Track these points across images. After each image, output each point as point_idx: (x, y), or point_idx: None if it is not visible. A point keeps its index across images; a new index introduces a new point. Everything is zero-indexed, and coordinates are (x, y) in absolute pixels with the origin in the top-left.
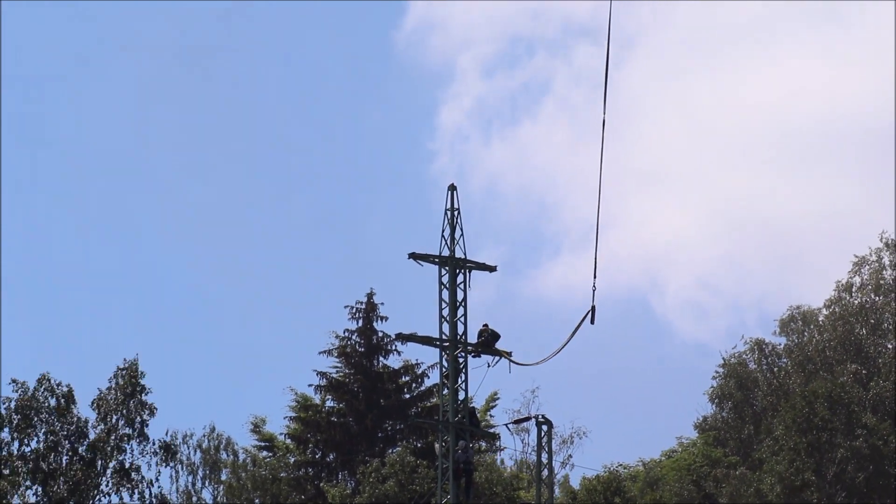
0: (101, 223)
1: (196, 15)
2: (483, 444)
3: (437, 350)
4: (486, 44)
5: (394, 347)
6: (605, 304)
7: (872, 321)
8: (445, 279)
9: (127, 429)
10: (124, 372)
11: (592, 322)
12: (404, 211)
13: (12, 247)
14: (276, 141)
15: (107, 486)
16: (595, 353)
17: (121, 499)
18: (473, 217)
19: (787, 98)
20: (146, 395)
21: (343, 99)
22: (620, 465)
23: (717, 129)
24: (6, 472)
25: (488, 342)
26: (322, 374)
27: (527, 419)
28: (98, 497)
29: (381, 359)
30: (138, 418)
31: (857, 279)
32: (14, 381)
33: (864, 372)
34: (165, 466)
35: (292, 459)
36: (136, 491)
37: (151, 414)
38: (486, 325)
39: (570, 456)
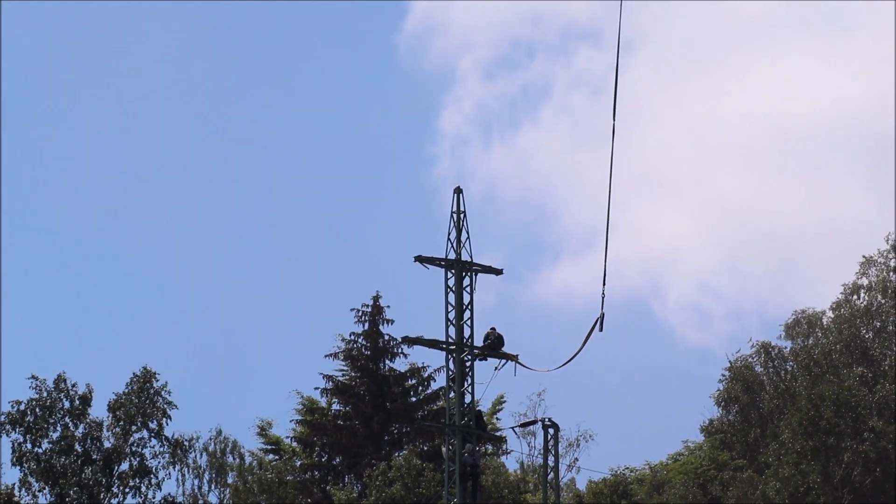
0: (106, 226)
1: (196, 16)
2: (490, 447)
3: (443, 353)
4: (487, 48)
5: (400, 350)
6: (608, 309)
7: (878, 324)
8: (451, 282)
9: (143, 432)
10: (139, 378)
11: (601, 329)
12: (406, 215)
13: (14, 248)
14: (277, 144)
15: (118, 487)
16: (599, 358)
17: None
18: (473, 221)
19: (788, 101)
20: (165, 396)
21: (344, 102)
22: (627, 468)
23: (717, 132)
24: (19, 472)
25: (495, 345)
26: (328, 378)
27: (533, 422)
28: (109, 499)
29: (387, 362)
30: (154, 421)
31: (864, 280)
32: (34, 377)
33: (869, 375)
34: (175, 466)
35: (298, 462)
36: (145, 493)
37: (167, 416)
38: (492, 329)
39: (577, 459)
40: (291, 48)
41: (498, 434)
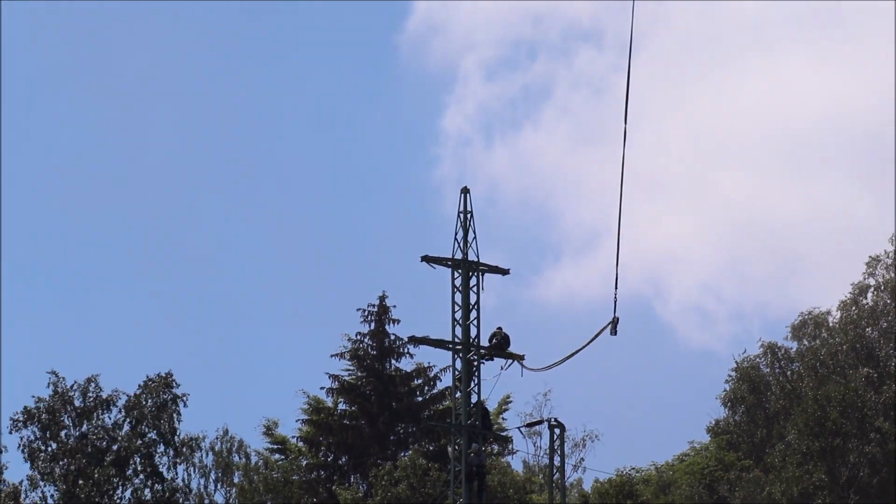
0: (113, 225)
1: (196, 17)
2: (495, 447)
3: (449, 352)
4: (488, 48)
5: (406, 350)
6: (610, 311)
7: (885, 324)
8: (458, 282)
9: (153, 433)
10: (155, 383)
11: (615, 333)
12: (408, 215)
13: (19, 248)
14: (279, 144)
15: (127, 485)
16: (603, 358)
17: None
18: (476, 222)
19: (788, 102)
20: (178, 405)
21: (346, 102)
22: (632, 468)
23: (719, 133)
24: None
25: (501, 345)
26: (334, 377)
27: (539, 422)
28: (118, 497)
29: (393, 361)
30: (168, 425)
31: (871, 280)
32: (54, 372)
33: (875, 376)
34: (181, 466)
35: (304, 462)
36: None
37: (179, 417)
38: (499, 329)
39: (583, 459)
40: (293, 48)
41: (504, 434)
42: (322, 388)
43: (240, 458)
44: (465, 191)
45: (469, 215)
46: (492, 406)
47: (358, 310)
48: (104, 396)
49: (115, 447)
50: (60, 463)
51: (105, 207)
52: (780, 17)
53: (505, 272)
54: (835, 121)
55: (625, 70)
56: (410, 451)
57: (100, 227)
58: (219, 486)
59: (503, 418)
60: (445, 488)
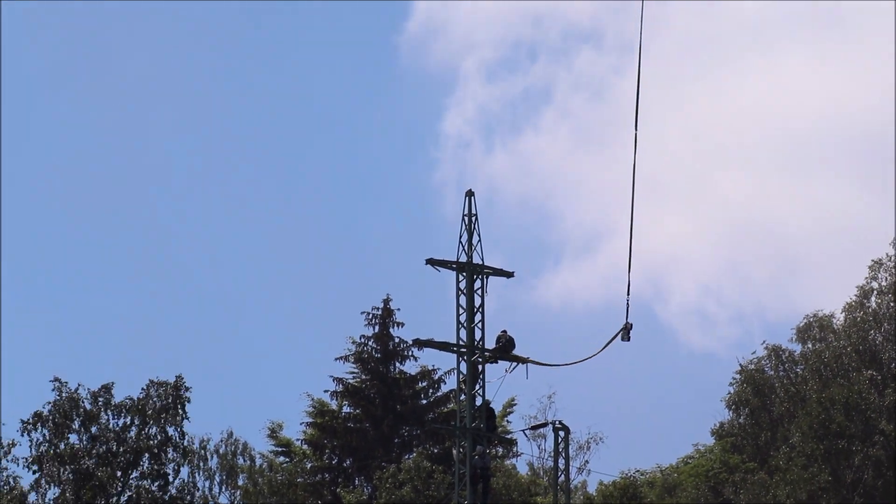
0: (118, 228)
1: (196, 17)
2: (500, 449)
3: (453, 355)
4: (489, 49)
5: (410, 353)
6: (611, 314)
7: (887, 325)
8: (462, 284)
9: (159, 436)
10: (165, 387)
11: (628, 339)
12: (409, 217)
13: (24, 250)
14: (278, 146)
15: (132, 488)
16: (605, 361)
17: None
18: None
19: (788, 102)
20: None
21: (346, 103)
22: (637, 470)
23: (718, 134)
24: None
25: (506, 348)
26: (339, 380)
27: (544, 425)
28: (123, 499)
29: (397, 364)
30: (174, 428)
31: (874, 284)
32: (57, 379)
33: (879, 378)
34: (186, 467)
35: (309, 465)
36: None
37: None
38: (504, 332)
39: (587, 462)
40: (292, 49)
41: (508, 437)
42: (326, 390)
43: (244, 460)
44: (470, 194)
45: (473, 218)
46: (497, 409)
47: (362, 313)
48: (115, 403)
49: (122, 449)
50: (68, 466)
51: (109, 210)
52: (780, 17)
53: (509, 275)
54: (834, 121)
55: (625, 71)
56: (415, 454)
57: (104, 230)
58: (223, 489)
59: (508, 421)
60: (450, 491)
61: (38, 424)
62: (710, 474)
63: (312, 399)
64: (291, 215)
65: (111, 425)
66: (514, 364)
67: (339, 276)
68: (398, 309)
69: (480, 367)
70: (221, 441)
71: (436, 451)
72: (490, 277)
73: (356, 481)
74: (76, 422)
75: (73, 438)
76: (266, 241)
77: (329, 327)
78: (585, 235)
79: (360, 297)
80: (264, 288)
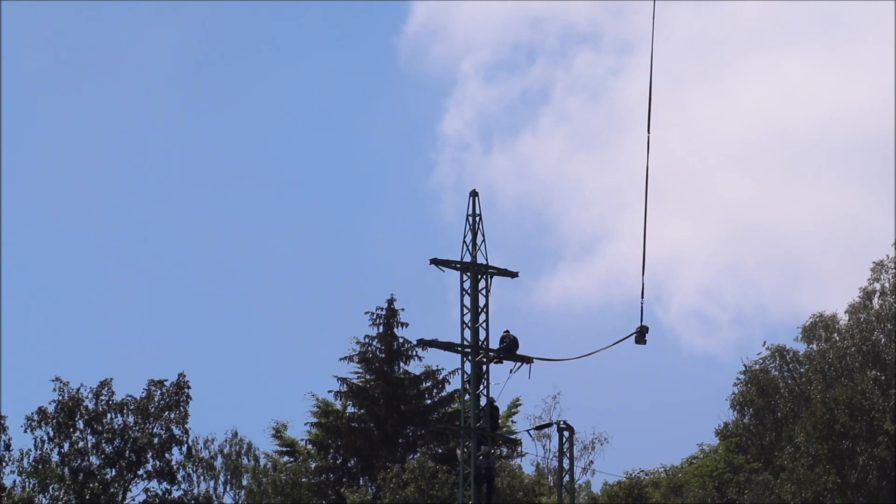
0: (121, 228)
1: (196, 17)
2: (505, 450)
3: (457, 355)
4: (487, 50)
5: (414, 353)
6: (611, 316)
7: (889, 326)
8: (466, 284)
9: (164, 435)
10: (172, 386)
11: (643, 342)
12: (411, 218)
13: (27, 249)
14: (278, 147)
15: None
16: (608, 362)
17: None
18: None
19: (790, 105)
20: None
21: (345, 104)
22: (641, 470)
23: (719, 136)
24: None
25: (510, 348)
26: (343, 380)
27: (548, 425)
28: (128, 499)
29: (401, 364)
30: (179, 427)
31: (877, 285)
32: (58, 379)
33: (882, 378)
34: (191, 467)
35: (313, 465)
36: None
37: (188, 415)
38: (507, 332)
39: (592, 462)
40: (291, 50)
41: (513, 437)
42: (331, 391)
43: (249, 460)
44: (474, 194)
45: (478, 218)
46: (502, 409)
47: (366, 313)
48: (117, 401)
49: (126, 447)
50: (71, 465)
51: (110, 207)
52: (782, 19)
53: (514, 275)
54: (836, 123)
55: (624, 73)
56: (419, 454)
57: (105, 227)
58: (228, 489)
59: (513, 421)
60: (454, 491)
61: (42, 423)
62: (715, 474)
63: (317, 399)
64: (293, 214)
65: (115, 424)
66: (519, 364)
67: (342, 276)
68: (402, 309)
69: (484, 367)
70: (226, 441)
71: (440, 451)
72: (487, 280)
73: (360, 481)
74: (79, 420)
75: (76, 436)
76: (269, 241)
77: (333, 327)
78: (583, 238)
79: (364, 298)
80: (268, 289)
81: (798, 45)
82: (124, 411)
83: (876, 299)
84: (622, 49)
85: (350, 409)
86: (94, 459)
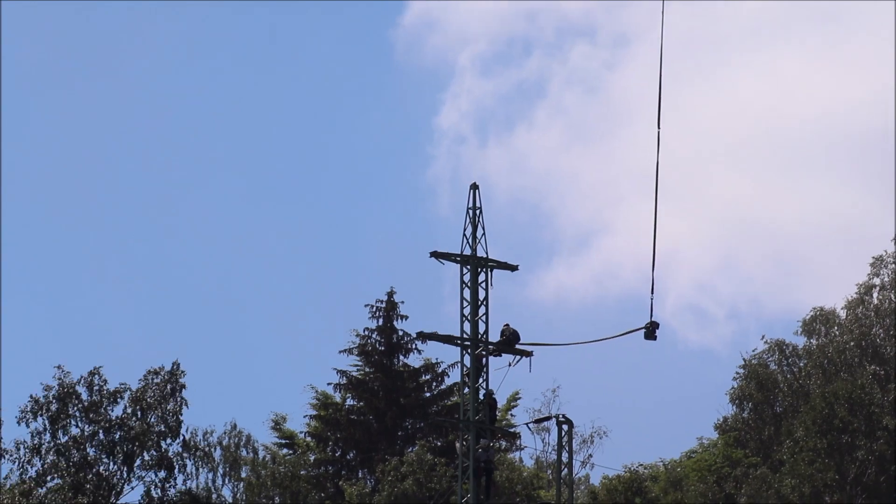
0: (121, 222)
1: (193, 17)
2: (504, 443)
3: (457, 348)
4: (483, 43)
5: (414, 346)
6: (607, 310)
7: (889, 321)
8: (466, 277)
9: (161, 426)
10: (166, 374)
11: (654, 338)
12: (408, 211)
13: (28, 244)
14: (274, 141)
15: (136, 478)
16: (608, 355)
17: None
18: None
19: (786, 100)
20: (183, 392)
21: (340, 98)
22: (640, 464)
23: (715, 131)
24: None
25: (511, 341)
26: (342, 373)
27: (547, 419)
28: (125, 491)
29: (401, 357)
30: (174, 417)
31: (876, 280)
32: (59, 367)
33: (881, 373)
34: (189, 459)
35: (312, 457)
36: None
37: (186, 405)
38: (507, 325)
39: (591, 455)
40: (287, 45)
41: (512, 430)
42: (330, 383)
43: (248, 452)
44: (475, 187)
45: (478, 211)
46: (501, 402)
47: (366, 305)
48: (110, 389)
49: (122, 438)
50: (68, 455)
51: (111, 204)
52: (778, 15)
53: (514, 268)
54: (833, 118)
55: (619, 67)
56: (417, 447)
57: (105, 221)
58: (226, 481)
59: (512, 414)
60: (452, 484)
61: (37, 414)
62: (713, 469)
63: (316, 391)
64: (291, 207)
65: (111, 415)
66: (518, 357)
67: (342, 269)
68: (402, 302)
69: (484, 360)
70: (225, 433)
71: (439, 444)
72: (483, 274)
73: (359, 474)
74: (74, 408)
75: (72, 428)
76: (268, 234)
77: (333, 320)
78: (579, 232)
79: (364, 290)
80: (268, 282)
81: (795, 40)
82: (117, 400)
83: (875, 294)
84: (618, 42)
85: (349, 402)
86: (90, 451)
